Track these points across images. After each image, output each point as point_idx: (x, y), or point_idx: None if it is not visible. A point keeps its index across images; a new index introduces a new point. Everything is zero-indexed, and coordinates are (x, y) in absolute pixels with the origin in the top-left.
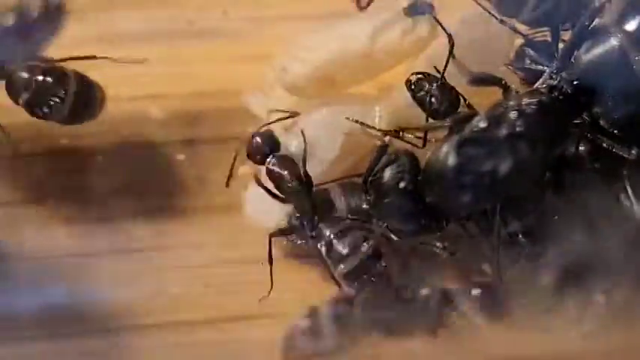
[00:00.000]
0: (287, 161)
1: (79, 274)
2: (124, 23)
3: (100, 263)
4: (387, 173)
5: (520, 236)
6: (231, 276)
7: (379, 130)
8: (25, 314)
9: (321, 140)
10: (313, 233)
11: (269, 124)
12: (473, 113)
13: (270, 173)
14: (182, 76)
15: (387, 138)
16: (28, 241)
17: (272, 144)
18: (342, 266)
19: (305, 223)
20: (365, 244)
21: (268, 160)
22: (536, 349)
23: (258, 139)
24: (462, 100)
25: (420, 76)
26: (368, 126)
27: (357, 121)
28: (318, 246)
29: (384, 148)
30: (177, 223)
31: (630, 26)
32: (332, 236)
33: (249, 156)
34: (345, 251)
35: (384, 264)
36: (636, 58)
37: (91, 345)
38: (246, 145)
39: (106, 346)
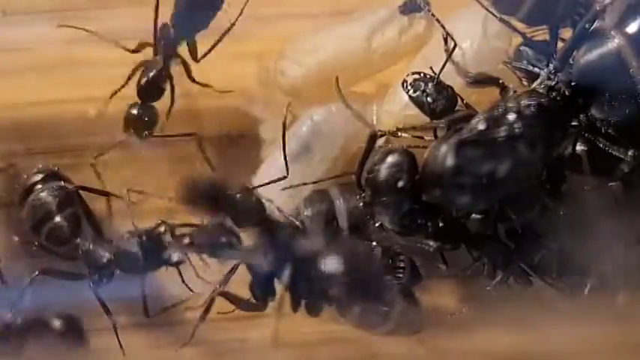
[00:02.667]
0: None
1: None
2: (125, 21)
3: None
4: (385, 172)
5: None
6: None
7: (379, 130)
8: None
9: (322, 139)
10: None
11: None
12: (471, 113)
13: None
14: (182, 74)
15: (384, 138)
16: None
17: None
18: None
19: None
20: None
21: None
22: (535, 348)
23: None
24: (459, 99)
25: (416, 76)
26: (367, 124)
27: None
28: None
29: (373, 138)
30: (177, 221)
31: (629, 29)
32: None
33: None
34: None
35: None
36: (634, 60)
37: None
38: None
39: (105, 346)
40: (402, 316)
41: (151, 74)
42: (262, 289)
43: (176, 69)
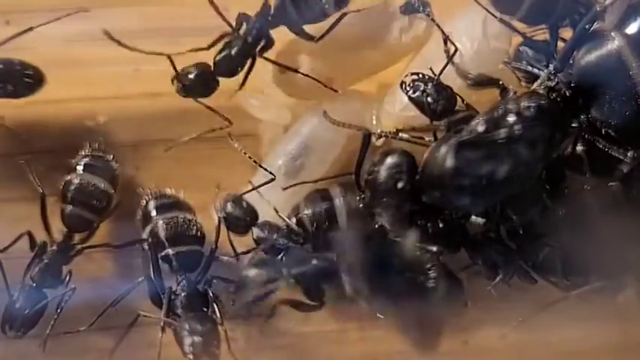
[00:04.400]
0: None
1: (79, 271)
2: (125, 20)
3: (101, 261)
4: (384, 173)
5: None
6: (230, 273)
7: (380, 131)
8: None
9: (323, 139)
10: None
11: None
12: (470, 114)
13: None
14: None
15: (382, 139)
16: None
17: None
18: None
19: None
20: None
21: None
22: (535, 347)
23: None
24: (459, 99)
25: (414, 77)
26: (357, 128)
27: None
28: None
29: (367, 138)
30: None
31: (629, 30)
32: None
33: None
34: None
35: None
36: (634, 61)
37: (90, 342)
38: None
39: (107, 344)
40: (446, 295)
41: None
42: (316, 289)
43: None
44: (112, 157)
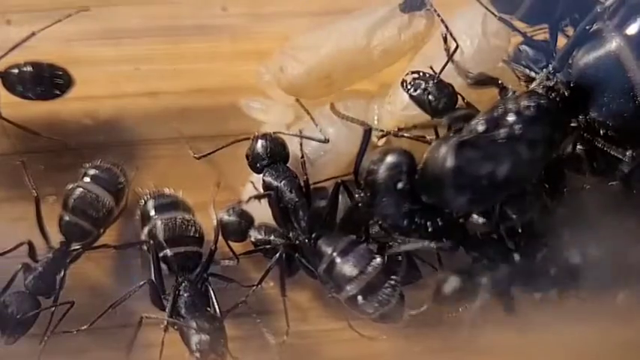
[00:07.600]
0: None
1: (78, 271)
2: (125, 20)
3: (100, 260)
4: (384, 173)
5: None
6: (229, 272)
7: (380, 130)
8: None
9: (338, 136)
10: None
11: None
12: (471, 112)
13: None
14: (181, 72)
15: (383, 140)
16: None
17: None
18: (348, 288)
19: (302, 242)
20: (373, 261)
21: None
22: (535, 347)
23: (263, 144)
24: (459, 98)
25: (415, 75)
26: (359, 122)
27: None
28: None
29: (367, 134)
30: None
31: (629, 31)
32: (335, 255)
33: (247, 158)
34: (352, 272)
35: (394, 280)
36: (633, 61)
37: (90, 342)
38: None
39: (107, 344)
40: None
41: None
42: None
43: None
44: (120, 169)
